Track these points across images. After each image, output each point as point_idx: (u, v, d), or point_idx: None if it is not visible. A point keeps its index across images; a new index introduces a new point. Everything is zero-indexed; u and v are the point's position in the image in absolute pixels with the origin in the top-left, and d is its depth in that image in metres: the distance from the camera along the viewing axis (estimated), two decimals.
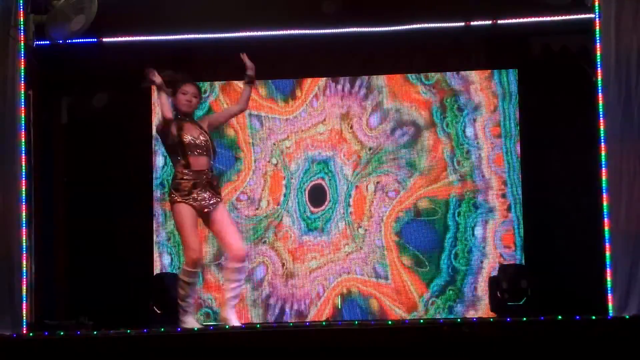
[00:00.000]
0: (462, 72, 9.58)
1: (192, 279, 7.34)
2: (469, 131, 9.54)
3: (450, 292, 9.44)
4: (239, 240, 7.36)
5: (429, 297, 9.45)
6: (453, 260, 9.46)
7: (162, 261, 9.67)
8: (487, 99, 9.55)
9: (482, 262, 9.43)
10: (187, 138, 7.26)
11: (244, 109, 7.67)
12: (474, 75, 9.57)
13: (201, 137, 7.31)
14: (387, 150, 9.60)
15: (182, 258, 9.33)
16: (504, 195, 9.48)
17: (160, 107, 7.28)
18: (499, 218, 9.48)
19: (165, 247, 9.69)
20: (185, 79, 7.42)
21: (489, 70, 9.56)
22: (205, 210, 7.26)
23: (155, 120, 9.40)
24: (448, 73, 9.60)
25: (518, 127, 9.48)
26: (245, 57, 7.49)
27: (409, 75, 9.64)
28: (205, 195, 7.25)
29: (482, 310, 9.29)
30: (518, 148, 9.47)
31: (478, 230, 9.47)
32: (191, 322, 7.36)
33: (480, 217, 9.48)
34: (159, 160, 9.72)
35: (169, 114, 7.22)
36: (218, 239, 7.49)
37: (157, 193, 9.69)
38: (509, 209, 9.46)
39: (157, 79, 7.20)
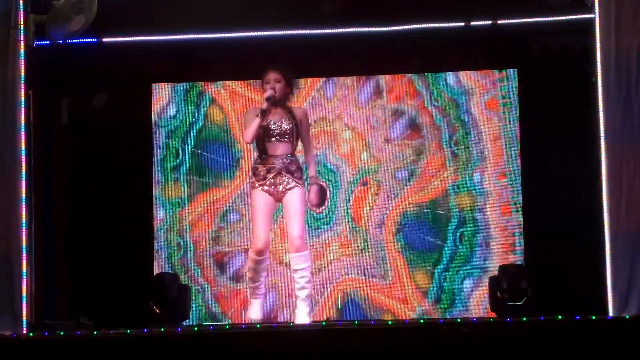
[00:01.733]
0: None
1: (258, 265, 7.54)
2: (470, 131, 9.54)
3: (450, 292, 9.45)
4: (295, 230, 7.46)
5: (429, 297, 9.45)
6: (453, 260, 9.46)
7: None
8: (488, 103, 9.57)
9: (482, 261, 9.44)
10: (269, 125, 7.39)
11: (310, 157, 7.72)
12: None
13: (284, 125, 7.43)
14: (387, 150, 9.59)
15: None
16: (504, 195, 9.48)
17: (249, 127, 7.42)
18: (500, 218, 9.47)
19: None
20: (270, 67, 7.57)
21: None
22: (281, 195, 7.45)
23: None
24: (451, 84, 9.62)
25: (518, 127, 9.47)
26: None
27: (409, 75, 9.63)
28: (280, 180, 7.42)
29: (482, 310, 9.29)
30: (518, 148, 9.47)
31: (479, 229, 9.47)
32: (255, 312, 7.55)
33: (480, 216, 9.48)
34: (159, 160, 9.72)
35: (250, 139, 7.43)
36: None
37: (157, 192, 9.69)
38: (508, 208, 9.46)
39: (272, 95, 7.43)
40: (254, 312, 7.62)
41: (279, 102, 7.49)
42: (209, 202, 9.67)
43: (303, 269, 7.47)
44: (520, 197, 9.44)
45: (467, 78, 9.56)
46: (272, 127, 7.42)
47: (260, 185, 7.45)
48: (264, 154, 7.45)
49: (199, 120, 9.70)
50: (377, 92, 9.64)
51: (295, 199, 7.47)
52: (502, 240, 9.44)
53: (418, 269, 9.49)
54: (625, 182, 7.96)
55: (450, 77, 9.56)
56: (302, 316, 7.48)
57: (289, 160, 7.46)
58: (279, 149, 7.44)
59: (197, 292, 9.51)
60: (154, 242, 9.64)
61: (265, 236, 7.51)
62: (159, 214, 9.68)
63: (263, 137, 7.43)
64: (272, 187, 7.44)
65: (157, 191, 9.69)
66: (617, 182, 7.97)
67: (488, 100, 9.56)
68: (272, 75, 7.49)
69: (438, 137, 9.56)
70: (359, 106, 9.65)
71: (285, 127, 7.44)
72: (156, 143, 9.69)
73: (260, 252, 7.48)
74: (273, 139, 7.42)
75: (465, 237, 9.47)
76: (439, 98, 9.56)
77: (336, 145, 9.64)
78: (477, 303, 9.34)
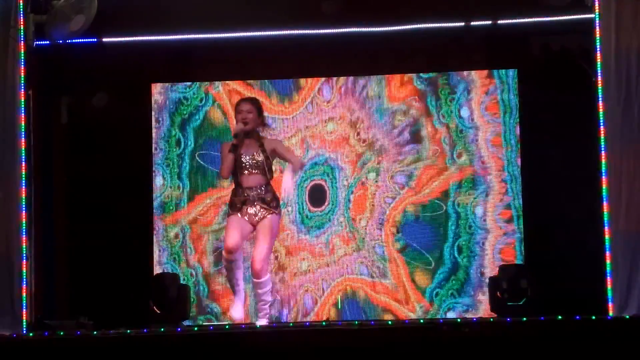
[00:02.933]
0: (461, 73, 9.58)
1: (229, 264, 7.60)
2: (470, 134, 9.53)
3: (450, 293, 9.45)
4: (258, 255, 7.55)
5: (429, 297, 9.46)
6: (453, 259, 9.46)
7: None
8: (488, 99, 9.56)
9: (482, 261, 9.44)
10: (241, 158, 7.53)
11: (297, 168, 7.72)
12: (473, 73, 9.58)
13: (256, 157, 7.55)
14: (387, 150, 9.59)
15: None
16: (504, 195, 9.48)
17: (224, 163, 7.57)
18: (499, 218, 9.47)
19: (165, 249, 9.71)
20: (244, 98, 7.87)
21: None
22: (255, 222, 7.56)
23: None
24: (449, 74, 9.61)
25: (518, 127, 9.47)
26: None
27: (409, 75, 9.63)
28: (254, 210, 7.55)
29: (482, 310, 9.30)
30: (518, 148, 9.47)
31: (478, 230, 9.47)
32: (237, 310, 7.67)
33: (480, 216, 9.49)
34: (159, 160, 9.72)
35: (226, 174, 7.59)
36: None
37: (157, 192, 9.69)
38: (508, 209, 9.46)
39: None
40: (236, 312, 7.71)
41: (252, 133, 7.62)
42: (209, 201, 9.68)
43: (262, 294, 7.62)
44: (520, 197, 9.44)
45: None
46: (244, 160, 7.55)
47: (234, 213, 7.60)
48: (239, 187, 7.59)
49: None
50: (379, 93, 9.64)
51: (265, 225, 7.57)
52: (501, 239, 9.45)
53: (418, 268, 9.50)
54: (625, 182, 7.96)
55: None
56: None
57: (263, 192, 7.57)
58: (253, 180, 7.55)
59: (193, 283, 9.54)
60: (154, 242, 9.65)
61: (236, 239, 7.55)
62: (159, 214, 9.68)
63: (236, 170, 7.55)
64: (247, 216, 7.57)
65: (157, 190, 9.69)
66: (617, 182, 7.97)
67: (488, 104, 9.58)
68: (244, 107, 7.64)
69: (438, 138, 9.56)
70: (361, 107, 9.65)
71: (258, 159, 7.56)
72: (156, 141, 9.73)
73: (230, 251, 7.54)
74: (246, 171, 7.55)
75: (464, 244, 9.48)
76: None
77: (337, 145, 9.65)
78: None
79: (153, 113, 9.72)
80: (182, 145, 9.70)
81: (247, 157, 7.55)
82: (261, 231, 7.58)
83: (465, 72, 9.56)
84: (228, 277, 7.74)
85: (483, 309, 9.25)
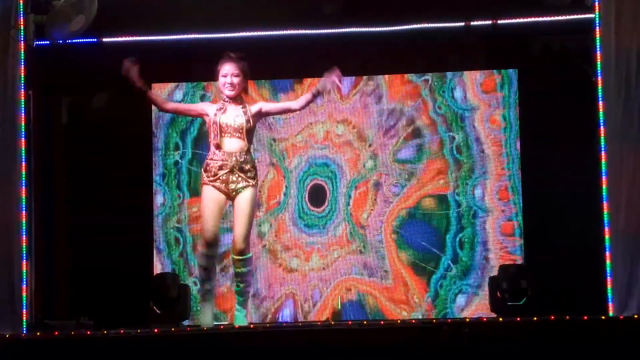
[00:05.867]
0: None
1: (206, 261, 7.29)
2: (470, 131, 9.54)
3: (449, 293, 9.45)
4: (241, 233, 7.22)
5: (429, 297, 9.46)
6: (453, 260, 9.46)
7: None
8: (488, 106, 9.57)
9: (482, 261, 9.44)
10: (223, 119, 7.20)
11: (299, 109, 7.46)
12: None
13: (238, 120, 7.21)
14: (387, 150, 9.59)
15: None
16: (504, 195, 9.48)
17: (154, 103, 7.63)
18: (500, 217, 9.47)
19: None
20: (229, 58, 7.36)
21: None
22: (233, 193, 7.23)
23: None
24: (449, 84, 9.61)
25: (518, 127, 9.48)
26: (336, 80, 7.31)
27: (409, 76, 9.63)
28: (233, 178, 7.20)
29: (482, 310, 9.30)
30: (518, 148, 9.47)
31: (479, 229, 9.47)
32: (207, 313, 7.33)
33: (480, 216, 9.49)
34: (159, 159, 9.72)
35: (163, 106, 7.62)
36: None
37: (157, 192, 9.69)
38: (509, 208, 9.47)
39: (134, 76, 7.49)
40: (206, 318, 7.35)
41: (237, 97, 7.30)
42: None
43: (245, 273, 7.30)
44: (520, 197, 9.44)
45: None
46: (227, 123, 7.20)
47: (210, 182, 7.23)
48: (217, 150, 7.21)
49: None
50: (379, 93, 9.64)
51: (245, 200, 7.21)
52: (501, 241, 9.46)
53: (418, 268, 9.49)
54: (625, 182, 7.96)
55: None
56: (241, 322, 7.35)
57: (242, 159, 7.20)
58: (233, 145, 7.19)
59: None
60: (154, 242, 9.65)
61: (215, 230, 7.24)
62: (159, 214, 9.69)
63: (218, 131, 7.20)
64: (223, 184, 7.20)
65: (157, 190, 9.70)
66: (617, 182, 7.97)
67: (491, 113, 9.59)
68: (231, 69, 7.30)
69: (438, 139, 9.56)
70: (360, 107, 9.66)
71: (239, 122, 7.20)
72: (156, 141, 9.72)
73: (208, 244, 7.22)
74: (227, 134, 7.19)
75: (466, 241, 9.47)
76: (442, 106, 9.57)
77: (337, 145, 9.65)
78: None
79: (153, 114, 9.72)
80: (181, 149, 9.71)
81: (230, 120, 7.20)
82: (240, 208, 7.21)
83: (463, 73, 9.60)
84: (203, 279, 7.33)
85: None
